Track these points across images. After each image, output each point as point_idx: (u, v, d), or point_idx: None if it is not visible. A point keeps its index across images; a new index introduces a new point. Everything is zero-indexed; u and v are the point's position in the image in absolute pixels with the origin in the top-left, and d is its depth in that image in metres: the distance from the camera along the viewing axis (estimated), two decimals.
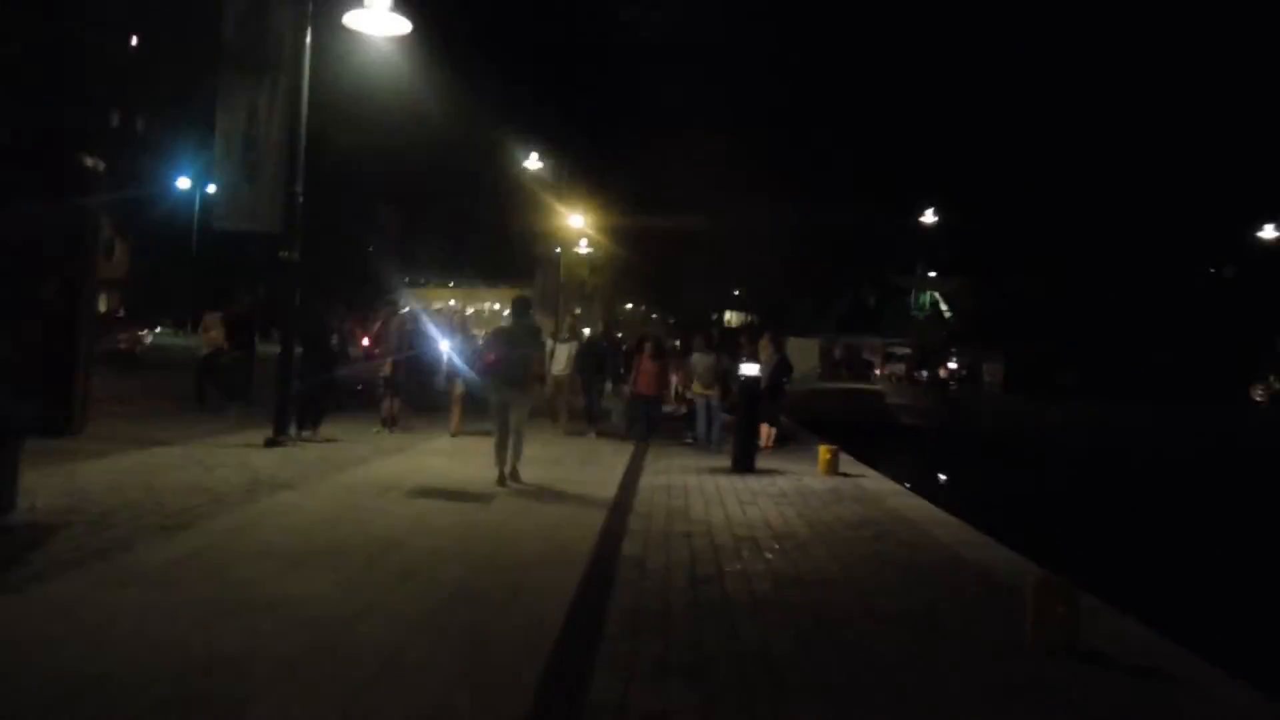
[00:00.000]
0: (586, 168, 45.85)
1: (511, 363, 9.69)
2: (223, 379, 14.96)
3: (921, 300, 63.90)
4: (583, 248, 45.26)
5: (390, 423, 13.87)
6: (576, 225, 45.42)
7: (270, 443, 11.45)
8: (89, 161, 6.64)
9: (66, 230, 6.57)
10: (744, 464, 11.75)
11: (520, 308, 10.36)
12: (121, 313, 64.27)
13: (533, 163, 38.77)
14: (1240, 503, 21.07)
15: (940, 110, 50.62)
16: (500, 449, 9.62)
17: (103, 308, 67.26)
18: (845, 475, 11.75)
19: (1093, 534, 14.97)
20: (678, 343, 25.45)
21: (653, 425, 14.48)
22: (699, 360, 14.34)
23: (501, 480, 9.52)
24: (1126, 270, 38.19)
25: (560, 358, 15.25)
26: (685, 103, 52.97)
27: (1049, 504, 17.53)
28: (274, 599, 5.07)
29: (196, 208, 55.28)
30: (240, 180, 11.63)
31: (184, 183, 55.81)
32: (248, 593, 5.16)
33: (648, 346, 14.66)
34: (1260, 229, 44.26)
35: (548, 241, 41.32)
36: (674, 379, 15.36)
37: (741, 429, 11.95)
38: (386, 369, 13.76)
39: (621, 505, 8.86)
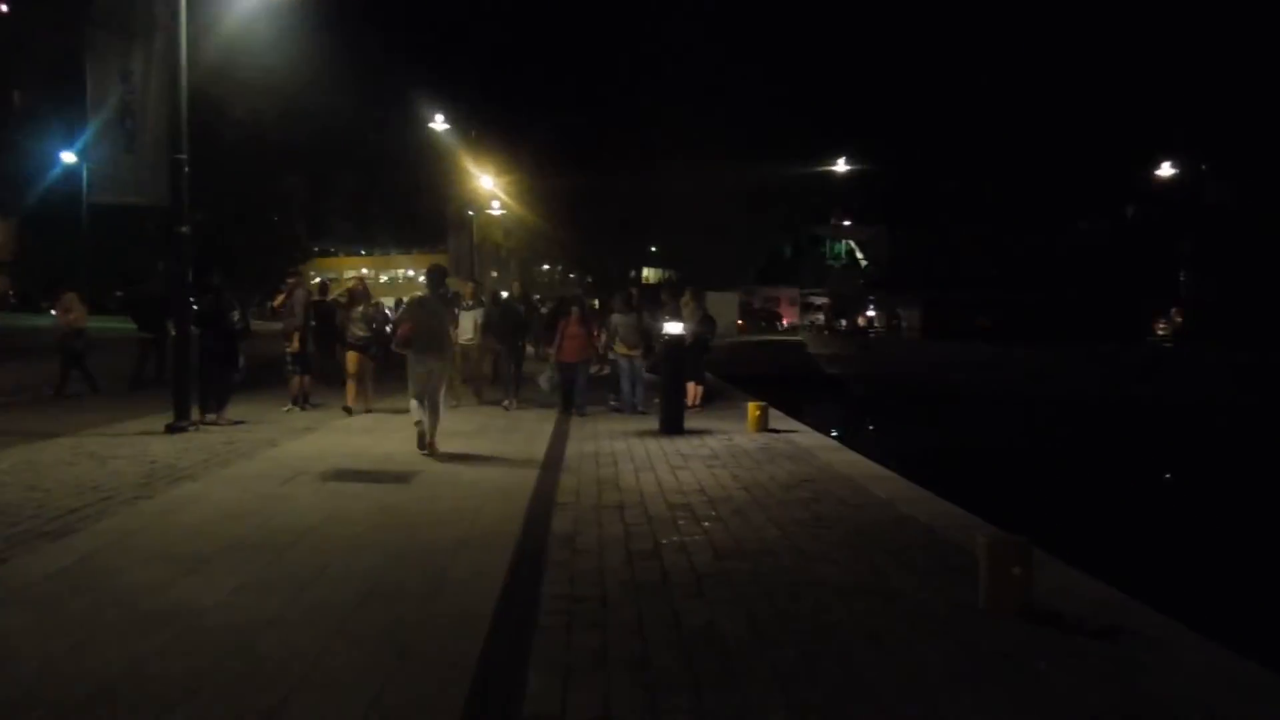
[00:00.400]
0: (496, 128, 44.82)
1: (430, 332, 9.72)
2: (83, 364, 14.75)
3: (836, 249, 64.42)
4: (495, 210, 44.34)
5: (301, 400, 13.22)
6: (487, 187, 44.49)
7: (171, 429, 10.76)
8: None
9: None
10: (672, 425, 11.46)
11: (436, 277, 10.27)
12: (12, 296, 61.19)
13: (439, 123, 37.62)
14: (1150, 439, 21.69)
15: (851, 57, 50.67)
16: (421, 418, 9.63)
17: None
18: (775, 432, 11.55)
19: (1021, 480, 15.13)
20: (596, 302, 24.94)
21: (580, 394, 13.63)
22: (620, 320, 13.92)
23: (423, 446, 9.58)
24: (1035, 213, 38.88)
25: (465, 325, 14.19)
26: (595, 58, 52.07)
27: (974, 451, 17.68)
28: (167, 610, 4.58)
29: (84, 182, 52.33)
30: (118, 150, 10.78)
31: (69, 157, 52.68)
32: (138, 605, 4.65)
33: (574, 311, 13.76)
34: (1158, 167, 45.54)
35: (460, 205, 40.33)
36: (599, 341, 14.68)
37: (668, 390, 11.64)
38: (293, 344, 13.06)
39: (548, 477, 8.47)
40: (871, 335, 43.81)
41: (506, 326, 14.50)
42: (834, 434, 13.69)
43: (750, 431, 11.51)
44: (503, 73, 54.47)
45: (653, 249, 72.61)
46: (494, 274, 78.55)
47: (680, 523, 6.67)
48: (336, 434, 11.03)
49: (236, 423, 11.53)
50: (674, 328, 11.83)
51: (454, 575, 5.31)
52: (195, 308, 11.36)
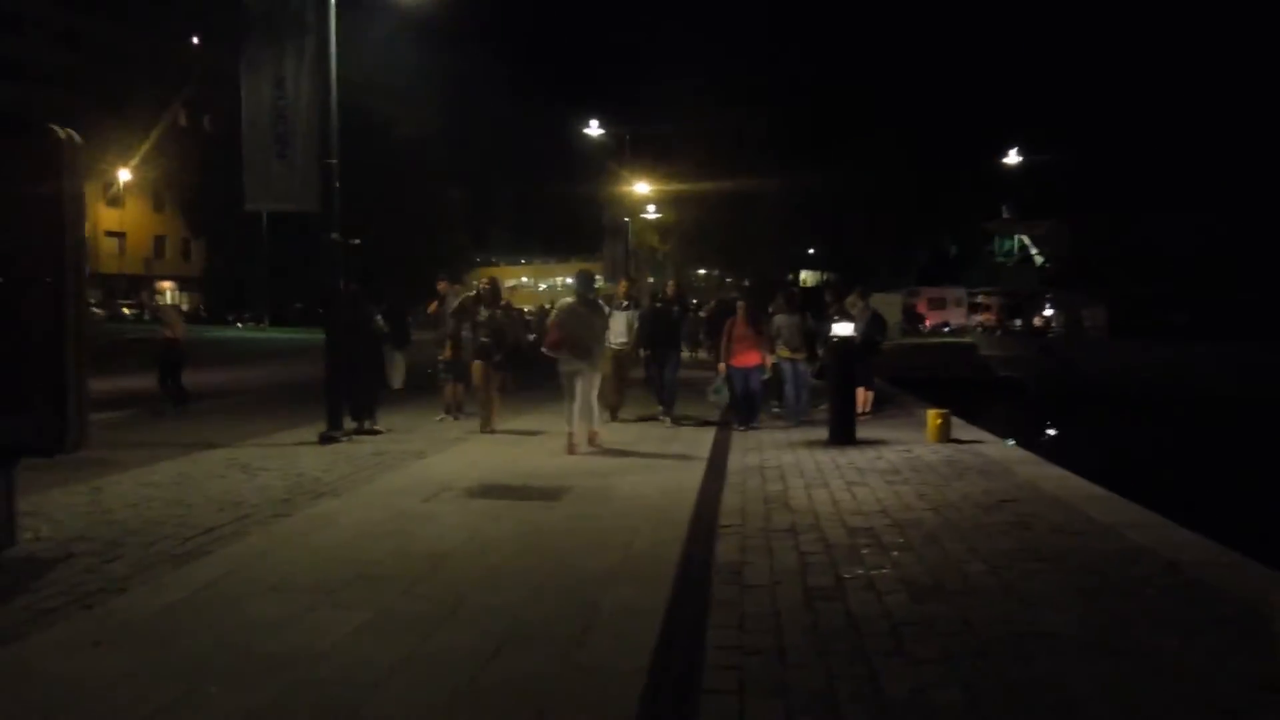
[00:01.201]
0: (650, 133, 44.41)
1: (579, 338, 9.99)
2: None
3: (1006, 245, 60.96)
4: (650, 214, 43.96)
5: (454, 409, 12.90)
6: (642, 191, 44.17)
7: (324, 439, 10.57)
8: (61, 134, 5.64)
9: (41, 219, 5.60)
10: (843, 435, 10.46)
11: (583, 281, 10.60)
12: (203, 312, 65.37)
13: (594, 130, 37.52)
14: None
15: (1016, 45, 47.78)
16: (578, 416, 10.04)
17: (185, 307, 68.53)
18: (959, 442, 10.37)
19: (1248, 493, 13.29)
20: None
21: (755, 404, 11.96)
22: (783, 321, 12.97)
23: (571, 449, 9.85)
24: (1235, 201, 35.24)
25: (618, 327, 12.54)
26: (750, 60, 51.09)
27: (1183, 459, 15.72)
28: (281, 654, 4.02)
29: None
30: (269, 156, 10.66)
31: None
32: (250, 646, 4.12)
33: (741, 308, 12.17)
34: None
35: (614, 210, 40.11)
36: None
37: (837, 396, 10.64)
38: (445, 352, 12.75)
39: (710, 494, 7.67)
40: (1050, 335, 40.88)
41: (660, 330, 12.96)
42: (1014, 442, 12.31)
43: (930, 442, 10.38)
44: (661, 74, 54.08)
45: (810, 251, 70.81)
46: (650, 279, 78.65)
47: (864, 552, 5.73)
48: (486, 445, 10.56)
49: (386, 432, 11.29)
50: (843, 328, 10.82)
51: (604, 614, 4.58)
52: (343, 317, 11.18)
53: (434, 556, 5.66)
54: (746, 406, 11.86)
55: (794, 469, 8.89)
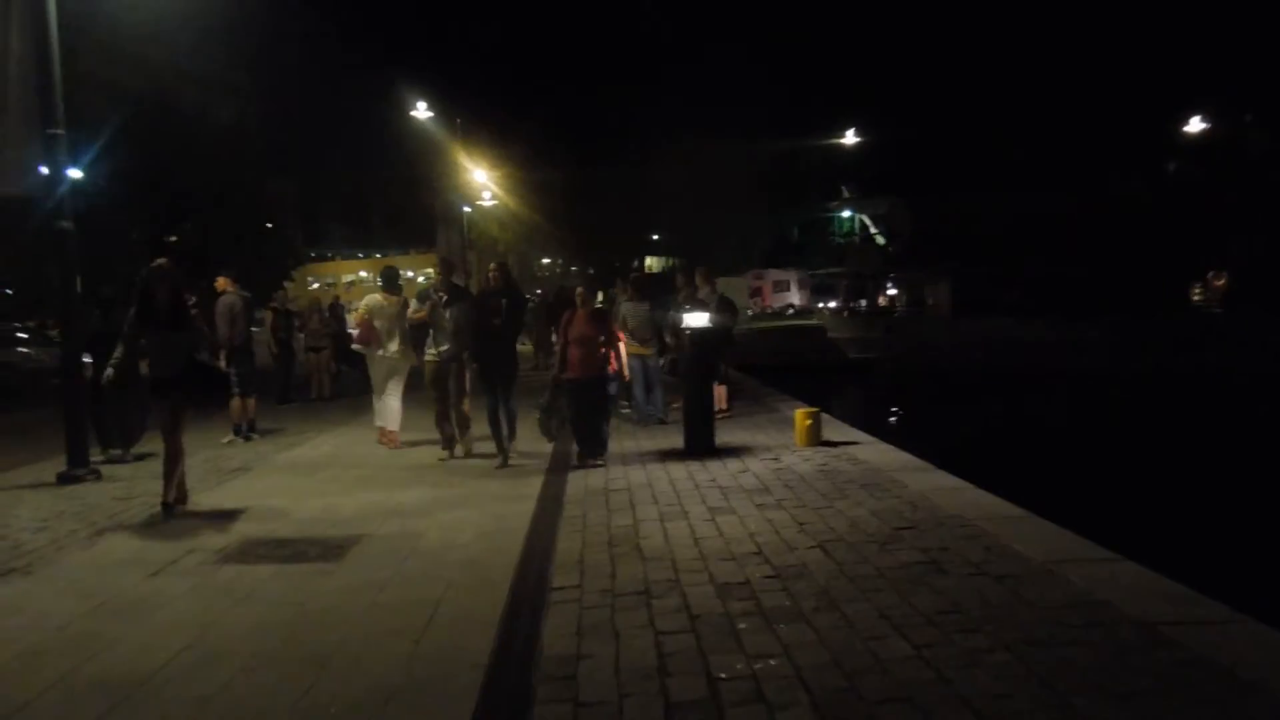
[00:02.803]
0: (486, 119, 42.28)
1: (385, 333, 9.88)
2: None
3: (845, 225, 61.62)
4: (488, 201, 41.88)
5: (244, 429, 10.86)
6: (479, 179, 42.06)
7: (64, 478, 8.41)
8: None
9: None
10: (701, 444, 9.04)
11: (388, 277, 10.22)
12: None
13: (421, 112, 35.11)
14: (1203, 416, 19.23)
15: (852, 16, 47.98)
16: (384, 420, 10.12)
17: None
18: (831, 445, 9.11)
19: (1136, 494, 12.68)
20: (600, 295, 22.14)
21: (598, 426, 8.84)
22: (629, 311, 11.50)
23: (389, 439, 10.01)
24: (1067, 176, 36.08)
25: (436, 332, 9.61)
26: (585, 41, 49.58)
27: (1068, 454, 14.91)
28: None
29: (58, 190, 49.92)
30: None
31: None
32: None
33: (581, 296, 9.18)
34: (1186, 123, 42.85)
35: (448, 199, 37.84)
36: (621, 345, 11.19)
37: (693, 399, 9.20)
38: (222, 360, 10.69)
39: (542, 535, 6.07)
40: (895, 315, 41.14)
41: (488, 337, 8.84)
42: (874, 432, 11.26)
43: (800, 446, 9.09)
44: (491, 61, 51.92)
45: (654, 237, 70.17)
46: (491, 268, 76.19)
47: (741, 626, 4.25)
48: (273, 477, 8.63)
49: (146, 457, 9.23)
50: (696, 318, 9.38)
51: None
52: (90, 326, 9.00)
53: (130, 680, 3.84)
54: (586, 429, 8.74)
55: (645, 491, 7.39)
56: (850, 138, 44.73)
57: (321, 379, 15.75)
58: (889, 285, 47.26)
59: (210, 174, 56.87)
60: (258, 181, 66.50)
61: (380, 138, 54.88)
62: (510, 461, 8.80)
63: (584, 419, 8.80)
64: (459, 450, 9.29)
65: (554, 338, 18.21)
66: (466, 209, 48.57)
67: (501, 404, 8.87)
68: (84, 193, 44.00)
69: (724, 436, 9.63)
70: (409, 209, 55.79)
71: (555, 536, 6.03)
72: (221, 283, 11.14)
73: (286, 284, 65.75)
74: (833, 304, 48.69)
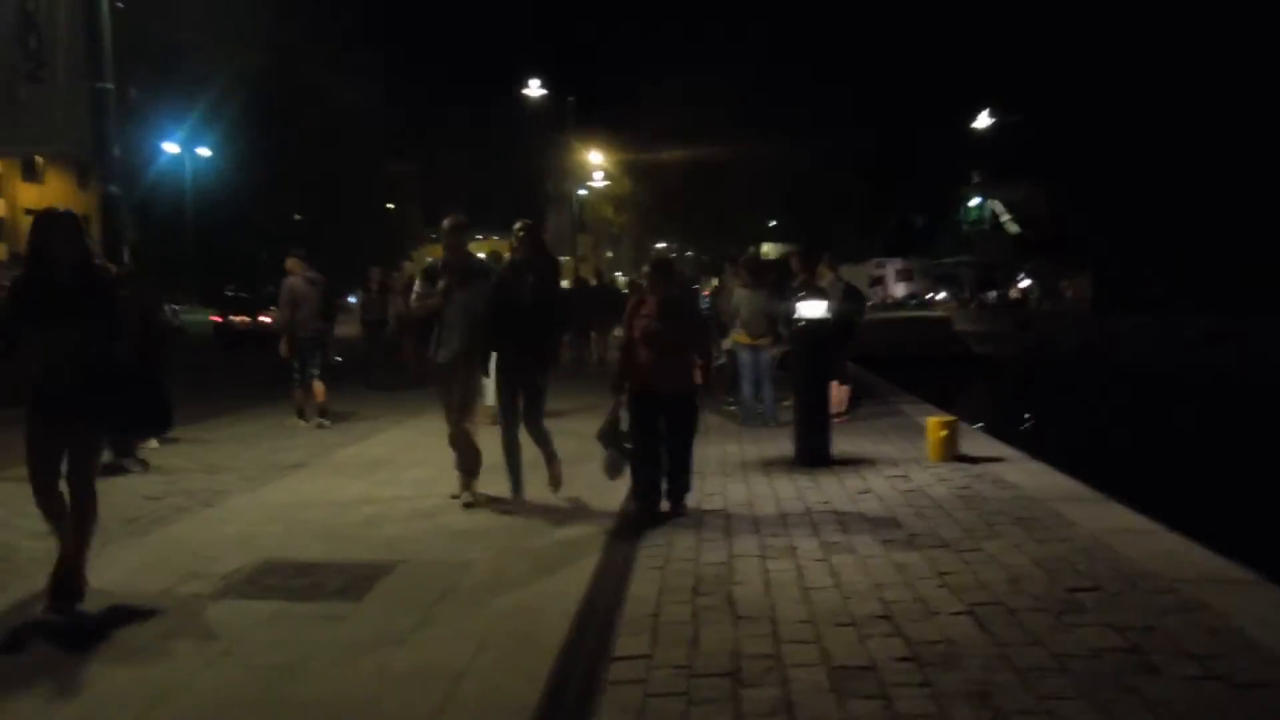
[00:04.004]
0: (603, 97, 41.32)
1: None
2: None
3: (975, 214, 58.44)
4: (599, 182, 40.96)
5: (310, 413, 10.10)
6: (594, 160, 41.25)
7: (108, 469, 7.64)
8: None
9: None
10: (814, 453, 7.73)
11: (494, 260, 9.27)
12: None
13: (535, 90, 34.37)
14: None
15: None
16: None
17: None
18: (970, 461, 7.66)
19: None
20: (715, 282, 20.23)
21: (684, 471, 6.27)
22: (742, 299, 10.21)
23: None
24: (1219, 163, 32.73)
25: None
26: (709, 21, 48.15)
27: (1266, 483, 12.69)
28: None
29: (188, 174, 51.52)
30: (18, 79, 7.67)
31: (172, 148, 51.97)
32: None
33: (651, 282, 6.34)
34: None
35: (559, 179, 37.03)
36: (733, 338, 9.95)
37: (807, 399, 7.87)
38: (283, 347, 9.94)
39: (610, 572, 4.90)
40: (1029, 309, 38.38)
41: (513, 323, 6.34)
42: (1006, 438, 9.69)
43: (932, 461, 7.68)
44: (612, 39, 50.93)
45: (772, 223, 68.30)
46: (609, 254, 75.63)
47: None
48: (329, 476, 7.69)
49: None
50: (812, 308, 8.03)
51: None
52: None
53: None
54: (653, 471, 6.13)
55: (745, 513, 6.14)
56: (984, 119, 42.10)
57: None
58: (1021, 276, 44.32)
59: (334, 155, 57.84)
60: (379, 163, 67.47)
61: (496, 118, 54.61)
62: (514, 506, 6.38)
63: (649, 453, 6.10)
64: (465, 496, 6.41)
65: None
66: (581, 191, 47.87)
67: (526, 423, 6.49)
68: (208, 172, 44.90)
69: (842, 444, 8.29)
70: (521, 189, 55.45)
71: (628, 576, 4.84)
72: (291, 264, 10.34)
73: (406, 263, 66.71)
74: (958, 295, 46.09)
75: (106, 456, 7.74)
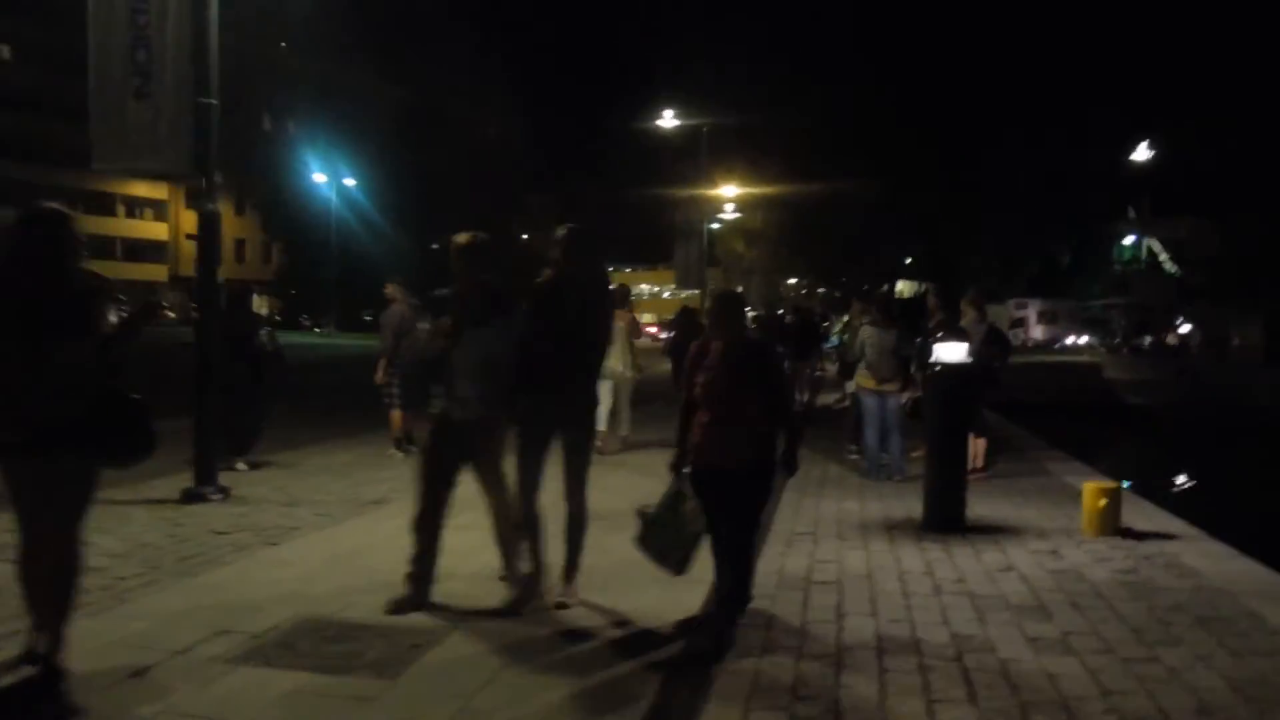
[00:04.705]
0: (733, 126, 40.63)
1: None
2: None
3: (1129, 253, 54.99)
4: (728, 214, 40.25)
5: (406, 442, 9.69)
6: (728, 193, 40.61)
7: (190, 496, 7.34)
8: None
9: None
10: (947, 517, 6.75)
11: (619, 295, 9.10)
12: (277, 316, 64.45)
13: (668, 121, 34.01)
14: None
15: (1147, 25, 42.52)
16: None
17: (265, 311, 67.89)
18: (1135, 537, 6.52)
19: None
20: (845, 319, 17.95)
21: (738, 560, 4.73)
22: (869, 338, 9.28)
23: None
24: None
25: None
26: (843, 45, 47.12)
27: None
28: None
29: (334, 202, 53.49)
30: (125, 95, 7.50)
31: (320, 178, 54.12)
32: None
33: (716, 317, 4.81)
34: None
35: (688, 211, 36.47)
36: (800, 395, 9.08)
37: (940, 456, 6.90)
38: (379, 373, 9.57)
39: (690, 671, 4.12)
40: (1190, 356, 35.48)
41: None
42: (1158, 500, 8.40)
43: (1088, 534, 6.58)
44: (744, 65, 50.25)
45: (908, 260, 66.19)
46: (740, 289, 74.73)
47: None
48: (401, 521, 7.16)
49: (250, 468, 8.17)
50: (951, 351, 7.07)
51: None
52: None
53: None
54: (733, 561, 4.70)
55: (861, 589, 5.26)
56: (1143, 151, 39.55)
57: None
58: (1180, 321, 41.11)
59: (474, 185, 59.17)
60: (518, 193, 68.80)
61: (630, 150, 54.76)
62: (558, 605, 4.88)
63: (723, 541, 4.64)
64: (557, 593, 4.93)
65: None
66: (716, 225, 47.21)
67: (567, 495, 4.94)
68: (353, 200, 46.31)
69: (978, 507, 7.26)
70: (651, 222, 55.32)
71: (713, 676, 4.05)
72: (390, 290, 10.01)
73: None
74: (1104, 340, 43.17)
75: (187, 481, 7.47)
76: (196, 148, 7.56)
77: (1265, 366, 30.78)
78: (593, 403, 5.20)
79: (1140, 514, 7.23)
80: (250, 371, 8.45)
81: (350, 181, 55.45)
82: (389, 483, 8.39)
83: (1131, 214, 51.39)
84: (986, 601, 5.05)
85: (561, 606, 4.83)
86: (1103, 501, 6.52)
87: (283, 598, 4.89)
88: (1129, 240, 53.81)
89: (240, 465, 8.56)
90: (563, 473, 4.93)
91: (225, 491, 7.55)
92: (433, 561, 4.87)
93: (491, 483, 4.90)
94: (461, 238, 4.87)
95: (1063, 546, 6.27)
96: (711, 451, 4.57)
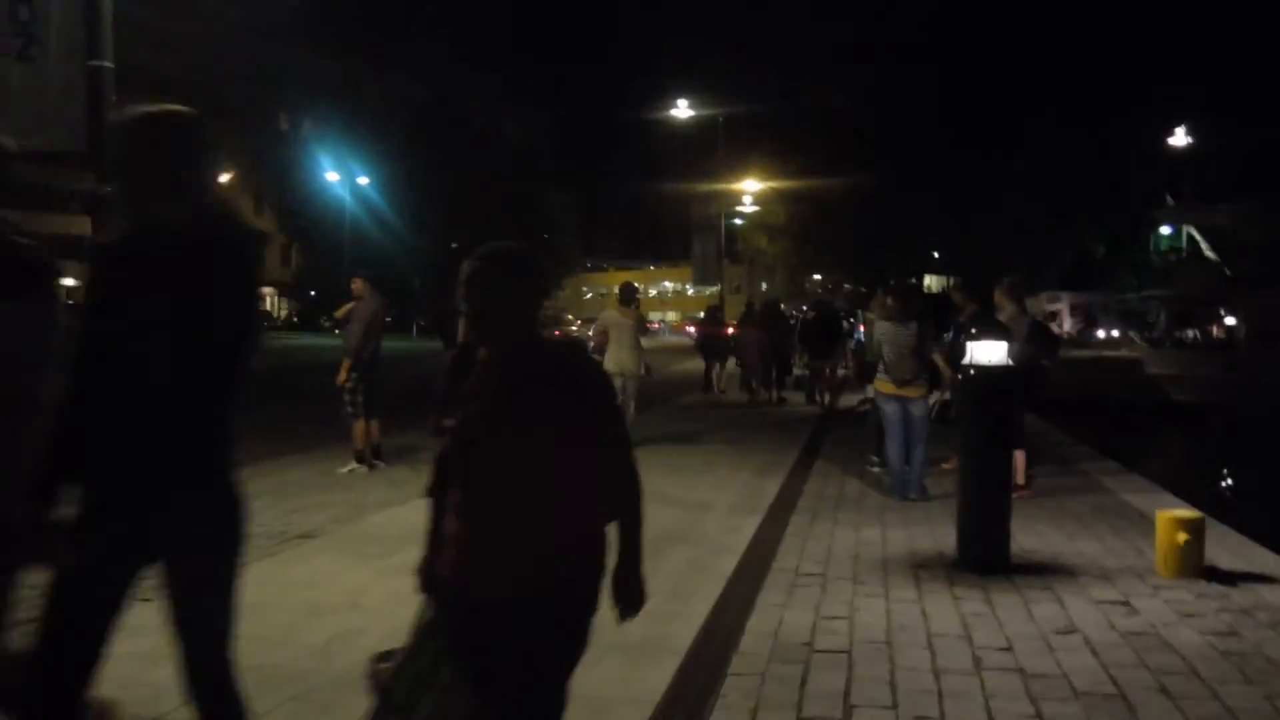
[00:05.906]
0: (751, 116, 39.30)
1: None
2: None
3: (1167, 242, 52.93)
4: (746, 207, 38.95)
5: (369, 456, 8.57)
6: (745, 186, 39.33)
7: None
8: None
9: None
10: (986, 555, 5.49)
11: (626, 292, 10.31)
12: (295, 319, 63.82)
13: (682, 110, 32.78)
14: None
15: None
16: None
17: (282, 314, 67.31)
18: (1224, 580, 5.23)
19: None
20: (809, 313, 17.66)
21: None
22: (885, 334, 8.01)
23: None
24: None
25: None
26: (862, 34, 45.66)
27: None
28: None
29: (349, 202, 52.64)
30: (7, 61, 6.39)
31: (333, 176, 53.29)
32: None
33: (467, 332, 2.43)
34: None
35: (704, 206, 35.21)
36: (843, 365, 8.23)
37: (979, 478, 5.63)
38: (341, 374, 8.45)
39: None
40: (1240, 350, 33.68)
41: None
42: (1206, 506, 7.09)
43: (1165, 574, 5.30)
44: (764, 57, 48.85)
45: (935, 255, 64.50)
46: (764, 285, 73.40)
47: None
48: (332, 554, 5.99)
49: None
50: (989, 350, 5.80)
51: None
52: None
53: None
54: None
55: (877, 660, 4.03)
56: (1180, 136, 37.81)
57: None
58: (1223, 313, 39.30)
59: (492, 185, 58.28)
60: (537, 193, 67.90)
61: (647, 146, 53.56)
62: None
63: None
64: None
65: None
66: (736, 220, 45.89)
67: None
68: (368, 200, 45.43)
69: (1022, 536, 6.01)
70: (668, 217, 54.14)
71: None
72: (358, 285, 8.90)
73: (558, 293, 66.53)
74: (1145, 334, 41.42)
75: None
76: (90, 121, 6.43)
77: None
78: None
79: (1229, 549, 5.91)
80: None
81: (363, 180, 54.67)
82: (334, 509, 7.25)
83: (1170, 201, 49.44)
84: (1043, 685, 3.80)
85: None
86: (1183, 537, 5.21)
87: (140, 671, 3.72)
88: (1167, 230, 51.82)
89: None
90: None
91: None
92: None
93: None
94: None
95: (1135, 593, 5.00)
96: (472, 563, 2.23)
